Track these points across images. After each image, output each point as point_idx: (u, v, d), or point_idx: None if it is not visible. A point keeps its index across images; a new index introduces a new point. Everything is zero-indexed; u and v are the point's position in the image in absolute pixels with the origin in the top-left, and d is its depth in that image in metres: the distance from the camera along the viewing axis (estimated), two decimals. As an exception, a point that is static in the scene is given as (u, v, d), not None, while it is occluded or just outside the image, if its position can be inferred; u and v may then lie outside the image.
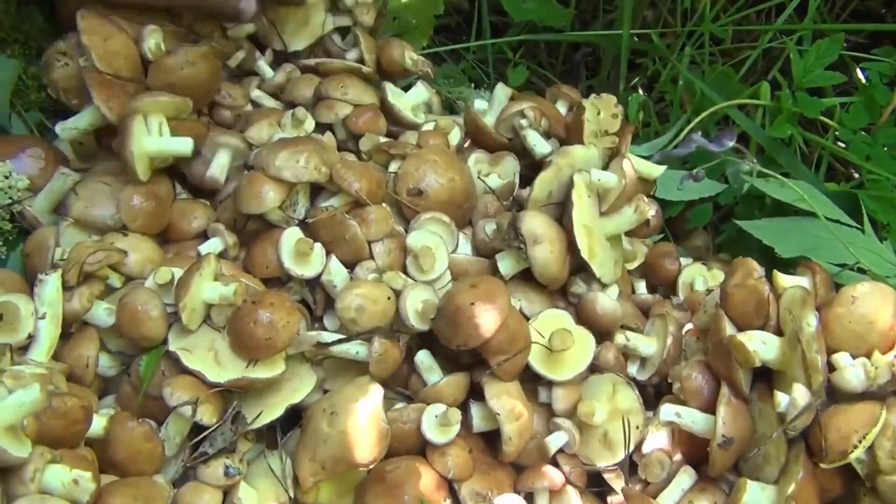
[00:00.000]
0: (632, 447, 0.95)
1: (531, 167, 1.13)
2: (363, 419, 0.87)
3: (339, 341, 0.96)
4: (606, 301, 1.00)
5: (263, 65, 1.22)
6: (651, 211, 1.07)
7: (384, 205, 1.03)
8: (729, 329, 0.92)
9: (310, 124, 1.13)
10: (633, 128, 1.12)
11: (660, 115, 1.45)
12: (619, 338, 0.99)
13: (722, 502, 0.92)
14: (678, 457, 0.94)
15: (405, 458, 0.91)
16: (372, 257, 1.01)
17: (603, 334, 1.00)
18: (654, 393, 1.02)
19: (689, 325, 1.04)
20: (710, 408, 0.92)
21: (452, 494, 0.91)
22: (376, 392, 0.89)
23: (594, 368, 0.98)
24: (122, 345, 0.97)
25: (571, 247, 1.01)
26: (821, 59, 1.27)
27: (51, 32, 1.22)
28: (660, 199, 1.21)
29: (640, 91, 1.45)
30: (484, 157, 1.15)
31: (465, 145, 1.18)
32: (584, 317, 1.00)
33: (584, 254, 1.00)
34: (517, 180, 1.13)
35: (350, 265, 1.00)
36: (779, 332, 0.92)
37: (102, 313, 0.96)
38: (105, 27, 1.06)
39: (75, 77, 1.07)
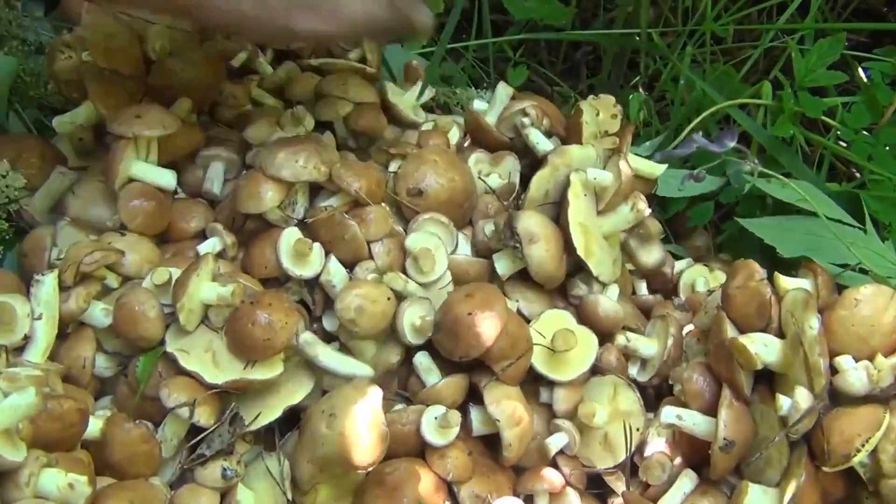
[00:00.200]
0: (632, 449, 0.94)
1: (532, 166, 1.13)
2: (362, 421, 0.87)
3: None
4: (608, 303, 0.99)
5: (264, 63, 1.22)
6: (647, 210, 1.06)
7: (383, 205, 1.02)
8: (730, 331, 0.91)
9: (309, 123, 1.12)
10: (634, 127, 1.12)
11: (660, 114, 1.44)
12: (620, 339, 0.99)
13: (723, 504, 0.91)
14: (679, 459, 0.93)
15: (404, 459, 0.91)
16: (371, 257, 1.00)
17: (604, 336, 0.99)
18: (654, 394, 1.02)
19: (689, 327, 1.03)
20: (711, 410, 0.92)
21: (452, 497, 0.91)
22: (375, 394, 0.88)
23: (596, 370, 0.98)
24: (119, 345, 0.97)
25: (568, 246, 1.01)
26: (823, 58, 1.27)
27: (51, 28, 1.22)
28: (661, 197, 1.20)
29: (641, 90, 1.45)
30: (484, 156, 1.14)
31: (466, 144, 1.17)
32: (585, 319, 1.00)
33: (581, 252, 1.00)
34: (518, 180, 1.12)
35: (349, 265, 1.00)
36: (780, 334, 0.91)
37: (99, 314, 0.96)
38: (110, 23, 1.05)
39: (77, 71, 1.07)
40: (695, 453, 0.93)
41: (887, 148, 1.24)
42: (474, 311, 0.92)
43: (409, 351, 0.97)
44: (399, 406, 0.95)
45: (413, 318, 0.96)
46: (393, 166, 1.08)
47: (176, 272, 0.95)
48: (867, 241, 1.12)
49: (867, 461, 0.84)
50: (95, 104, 1.01)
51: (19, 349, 0.92)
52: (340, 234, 0.99)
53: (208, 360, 0.93)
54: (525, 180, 1.12)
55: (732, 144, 1.19)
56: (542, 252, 0.98)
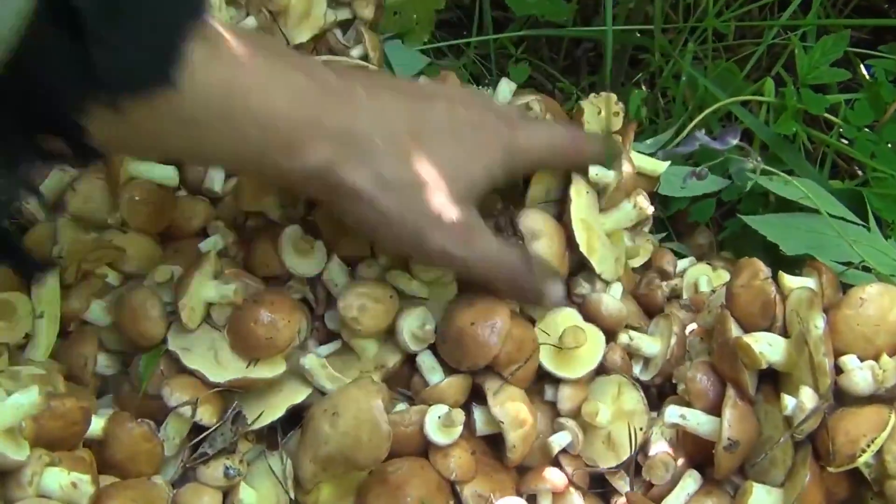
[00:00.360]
0: (636, 449, 0.94)
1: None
2: (365, 420, 0.86)
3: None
4: (611, 302, 0.99)
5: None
6: (650, 208, 1.06)
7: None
8: (735, 330, 0.91)
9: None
10: (636, 125, 1.11)
11: (662, 111, 1.44)
12: (623, 337, 0.98)
13: (727, 505, 0.91)
14: (682, 458, 0.93)
15: (407, 458, 0.90)
16: (373, 255, 0.99)
17: (607, 335, 0.99)
18: (657, 393, 1.01)
19: (692, 326, 1.03)
20: (715, 409, 0.91)
21: (455, 496, 0.90)
22: (379, 393, 0.88)
23: (600, 370, 0.97)
24: (121, 344, 0.96)
25: (571, 243, 1.00)
26: (826, 55, 1.27)
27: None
28: (663, 195, 1.20)
29: (643, 87, 1.44)
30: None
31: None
32: (588, 317, 0.99)
33: (583, 248, 0.99)
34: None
35: (352, 263, 0.99)
36: (785, 333, 0.91)
37: (101, 312, 0.96)
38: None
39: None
40: (698, 452, 0.93)
41: (890, 145, 1.24)
42: (477, 322, 0.91)
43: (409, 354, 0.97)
44: (402, 405, 0.94)
45: (412, 326, 0.95)
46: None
47: (178, 270, 0.95)
48: (871, 239, 1.12)
49: (872, 462, 0.83)
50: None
51: (21, 347, 0.92)
52: (342, 231, 0.99)
53: (210, 359, 0.93)
54: (526, 178, 1.12)
55: (735, 142, 1.19)
56: (545, 248, 0.98)
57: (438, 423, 0.90)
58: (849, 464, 0.82)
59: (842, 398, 0.85)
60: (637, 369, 1.01)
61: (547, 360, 0.95)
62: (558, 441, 0.93)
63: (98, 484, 0.83)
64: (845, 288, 0.95)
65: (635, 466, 0.94)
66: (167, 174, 1.02)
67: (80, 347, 0.95)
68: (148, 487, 0.87)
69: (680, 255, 1.17)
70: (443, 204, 0.85)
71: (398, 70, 1.31)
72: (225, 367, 0.92)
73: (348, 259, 0.99)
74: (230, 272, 0.97)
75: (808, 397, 0.85)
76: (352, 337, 0.96)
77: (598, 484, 0.96)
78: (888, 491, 0.83)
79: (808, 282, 0.93)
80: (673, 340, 0.98)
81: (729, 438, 0.88)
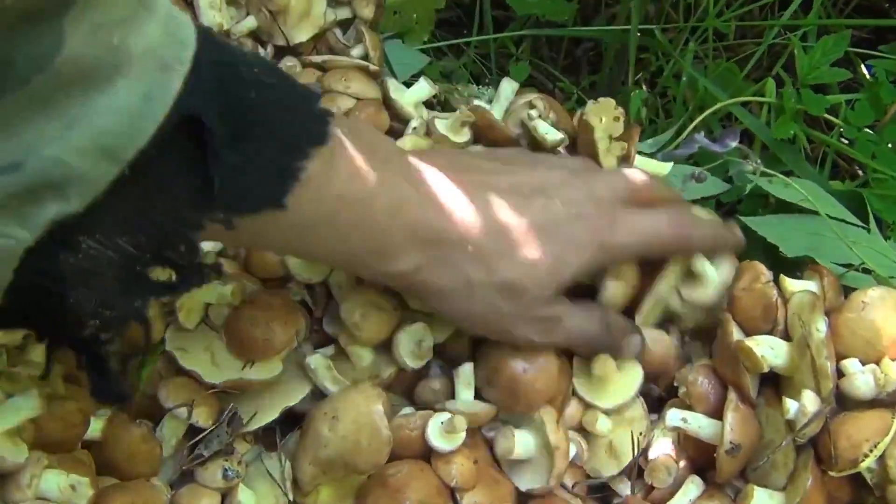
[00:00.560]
0: (637, 455, 0.93)
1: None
2: (365, 425, 0.86)
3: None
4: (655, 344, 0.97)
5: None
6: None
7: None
8: (736, 334, 0.90)
9: (311, 119, 1.11)
10: (640, 128, 1.11)
11: (662, 111, 1.44)
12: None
13: (729, 508, 0.90)
14: (684, 462, 0.93)
15: (407, 461, 0.90)
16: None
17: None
18: (657, 395, 1.01)
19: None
20: (716, 413, 0.91)
21: (454, 502, 0.90)
22: (379, 397, 0.88)
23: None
24: (118, 345, 0.96)
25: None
26: (826, 55, 1.26)
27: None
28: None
29: (644, 87, 1.44)
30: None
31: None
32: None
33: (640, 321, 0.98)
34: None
35: None
36: (786, 336, 0.91)
37: (99, 311, 0.95)
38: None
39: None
40: (700, 455, 0.93)
41: (890, 146, 1.23)
42: (528, 368, 0.91)
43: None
44: (407, 410, 0.94)
45: (409, 345, 0.94)
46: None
47: (176, 271, 0.95)
48: (871, 241, 1.12)
49: (874, 466, 0.83)
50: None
51: (19, 348, 0.92)
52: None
53: (207, 360, 0.92)
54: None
55: (734, 144, 1.19)
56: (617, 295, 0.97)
57: (441, 430, 0.90)
58: (851, 468, 0.82)
59: (843, 402, 0.85)
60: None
61: (579, 383, 0.94)
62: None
63: (97, 486, 0.83)
64: (846, 290, 0.95)
65: (637, 470, 0.94)
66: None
67: (79, 348, 0.94)
68: (146, 489, 0.86)
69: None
70: (529, 306, 0.87)
71: (398, 69, 1.31)
72: (221, 368, 0.91)
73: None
74: (229, 273, 0.96)
75: (810, 401, 0.85)
76: (349, 343, 0.95)
77: (598, 489, 0.95)
78: (890, 496, 0.83)
79: (810, 285, 0.92)
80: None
81: (731, 442, 0.88)
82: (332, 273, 0.97)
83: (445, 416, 0.90)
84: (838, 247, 1.08)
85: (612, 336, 0.93)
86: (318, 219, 0.77)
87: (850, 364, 0.86)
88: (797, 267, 1.10)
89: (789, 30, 1.43)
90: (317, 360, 0.94)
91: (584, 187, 0.94)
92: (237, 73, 0.69)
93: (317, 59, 1.19)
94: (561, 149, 1.07)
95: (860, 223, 1.14)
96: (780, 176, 1.15)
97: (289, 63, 1.21)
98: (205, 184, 0.67)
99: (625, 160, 1.09)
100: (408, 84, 1.20)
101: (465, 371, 0.94)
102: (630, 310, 0.97)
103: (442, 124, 1.09)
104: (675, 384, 0.97)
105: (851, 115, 1.27)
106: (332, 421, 0.88)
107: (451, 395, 0.94)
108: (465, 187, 0.87)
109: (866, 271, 1.07)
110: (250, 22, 1.18)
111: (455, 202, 0.86)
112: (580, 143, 1.10)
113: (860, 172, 1.33)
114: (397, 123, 1.17)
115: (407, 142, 1.07)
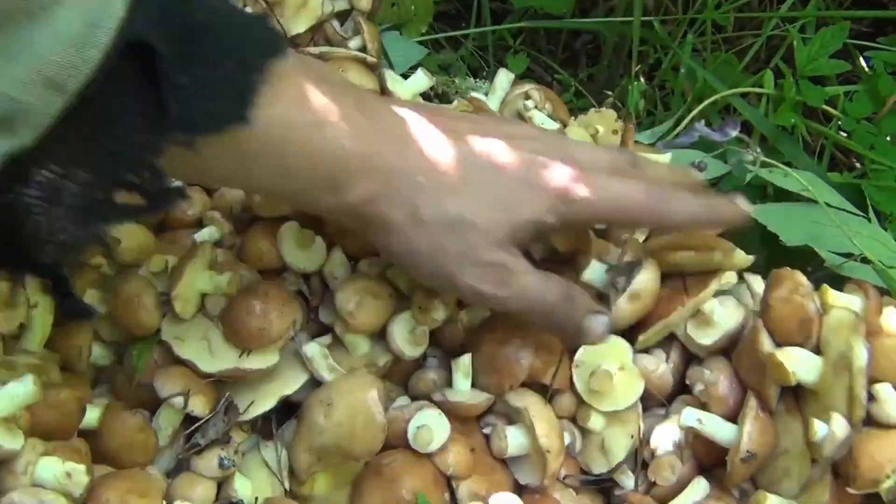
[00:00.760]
0: (624, 455, 0.92)
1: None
2: (360, 411, 0.86)
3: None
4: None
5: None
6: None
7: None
8: (767, 344, 0.87)
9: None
10: (633, 129, 1.10)
11: (661, 103, 1.44)
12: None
13: (736, 511, 0.89)
14: (690, 460, 0.92)
15: (402, 450, 0.90)
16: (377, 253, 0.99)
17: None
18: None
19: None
20: (732, 415, 0.89)
21: (450, 491, 0.90)
22: (374, 384, 0.88)
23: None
24: (115, 334, 0.96)
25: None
26: (825, 47, 1.26)
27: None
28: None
29: (642, 79, 1.44)
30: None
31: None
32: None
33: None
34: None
35: (354, 259, 0.98)
36: (817, 350, 0.87)
37: (96, 302, 0.95)
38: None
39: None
40: (708, 455, 0.91)
41: (889, 137, 1.24)
42: (505, 341, 0.91)
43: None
44: (402, 401, 0.94)
45: (404, 332, 0.94)
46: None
47: (172, 260, 0.95)
48: (870, 230, 1.11)
49: (894, 486, 0.81)
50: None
51: (15, 338, 0.92)
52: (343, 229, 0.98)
53: (204, 349, 0.92)
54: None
55: (734, 134, 1.19)
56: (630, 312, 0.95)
57: (415, 434, 0.89)
58: (872, 488, 0.81)
59: (869, 422, 0.83)
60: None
61: (581, 384, 0.93)
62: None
63: (93, 474, 0.83)
64: (843, 280, 0.94)
65: (641, 463, 0.93)
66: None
67: (75, 338, 0.94)
68: (142, 477, 0.86)
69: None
70: (475, 246, 0.84)
71: (396, 60, 1.31)
72: (217, 358, 0.91)
73: (351, 255, 0.98)
74: (225, 263, 0.96)
75: (839, 427, 0.82)
76: (345, 331, 0.95)
77: (593, 482, 0.95)
78: (906, 516, 0.81)
79: (853, 301, 0.88)
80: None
81: (748, 451, 0.85)
82: (328, 263, 0.97)
83: (423, 420, 0.90)
84: (838, 236, 1.08)
85: (573, 310, 0.89)
86: (266, 147, 0.76)
87: (884, 389, 0.83)
88: (796, 257, 1.10)
89: (788, 21, 1.43)
90: (313, 350, 0.94)
91: (557, 146, 0.91)
92: None
93: (314, 50, 1.19)
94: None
95: (860, 213, 1.14)
96: (780, 166, 1.15)
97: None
98: (159, 108, 0.66)
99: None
100: (405, 76, 1.21)
101: (464, 361, 0.94)
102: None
103: (439, 115, 1.09)
104: (688, 382, 0.95)
105: (850, 107, 1.27)
106: (327, 408, 0.88)
107: (448, 384, 0.94)
108: (421, 124, 0.85)
109: (865, 261, 1.07)
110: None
111: (409, 135, 0.84)
112: None
113: (858, 164, 1.32)
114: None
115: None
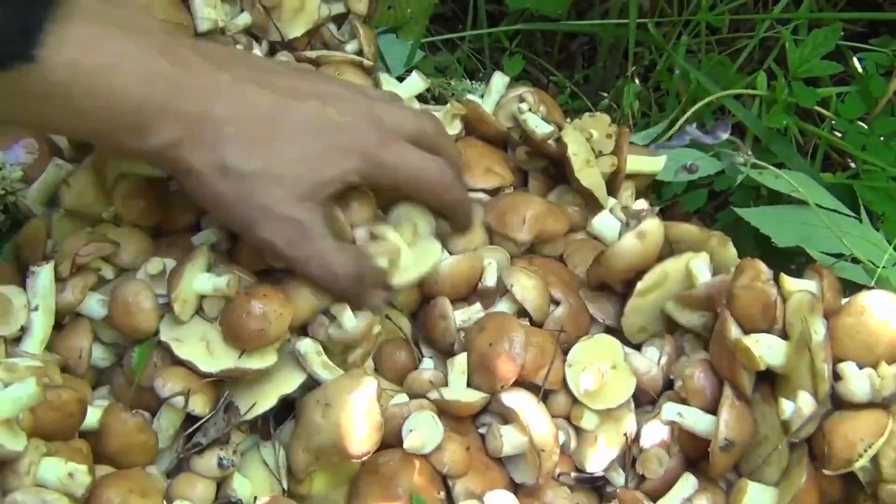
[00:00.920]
0: (617, 452, 0.94)
1: (530, 155, 1.13)
2: (357, 411, 0.87)
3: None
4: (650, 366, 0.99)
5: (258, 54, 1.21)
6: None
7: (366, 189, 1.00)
8: (734, 331, 0.89)
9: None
10: (628, 133, 1.11)
11: (655, 104, 1.44)
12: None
13: (722, 502, 0.91)
14: (677, 454, 0.93)
15: (399, 449, 0.91)
16: (353, 242, 0.99)
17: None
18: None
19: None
20: (711, 407, 0.91)
21: (446, 489, 0.91)
22: (370, 384, 0.89)
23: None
24: (115, 336, 0.97)
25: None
26: (818, 48, 1.27)
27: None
28: (656, 183, 1.20)
29: (637, 81, 1.45)
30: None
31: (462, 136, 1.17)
32: None
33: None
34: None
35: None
36: (784, 335, 0.90)
37: (95, 305, 0.96)
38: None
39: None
40: (694, 448, 0.93)
41: (881, 138, 1.24)
42: (495, 341, 0.92)
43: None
44: (400, 399, 0.94)
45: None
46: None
47: (171, 263, 0.95)
48: (861, 231, 1.12)
49: (868, 466, 0.83)
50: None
51: (16, 340, 0.93)
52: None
53: (202, 349, 0.93)
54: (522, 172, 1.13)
55: (726, 136, 1.20)
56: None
57: (409, 437, 0.91)
58: (845, 467, 0.82)
59: (838, 403, 0.85)
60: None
61: (574, 382, 0.95)
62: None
63: (94, 474, 0.84)
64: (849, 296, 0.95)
65: (630, 461, 0.94)
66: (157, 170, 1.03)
67: (75, 340, 0.95)
68: (143, 477, 0.87)
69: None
70: (277, 200, 0.87)
71: (392, 63, 1.32)
72: (217, 358, 0.92)
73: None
74: (223, 265, 0.97)
75: (806, 403, 0.84)
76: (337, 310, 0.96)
77: (588, 479, 0.96)
78: (882, 494, 0.83)
79: (810, 285, 0.91)
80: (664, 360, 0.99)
81: (726, 439, 0.88)
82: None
83: (414, 423, 0.91)
84: (829, 237, 1.09)
85: (362, 284, 0.93)
86: (55, 88, 0.77)
87: (848, 367, 0.85)
88: (789, 257, 1.11)
89: (781, 23, 1.44)
90: (306, 346, 0.95)
91: (368, 108, 0.94)
92: None
93: (311, 54, 1.20)
94: (550, 141, 1.09)
95: (851, 214, 1.15)
96: (771, 167, 1.16)
97: (283, 58, 1.21)
98: None
99: (615, 175, 1.10)
100: (401, 79, 1.21)
101: (459, 360, 0.95)
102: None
103: (434, 117, 1.10)
104: (671, 377, 0.97)
105: (842, 108, 1.28)
106: (324, 408, 0.89)
107: (444, 384, 0.95)
108: (233, 74, 0.87)
109: (855, 261, 1.08)
110: (245, 18, 1.19)
111: (220, 85, 0.86)
112: (559, 162, 1.11)
113: (851, 164, 1.33)
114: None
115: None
